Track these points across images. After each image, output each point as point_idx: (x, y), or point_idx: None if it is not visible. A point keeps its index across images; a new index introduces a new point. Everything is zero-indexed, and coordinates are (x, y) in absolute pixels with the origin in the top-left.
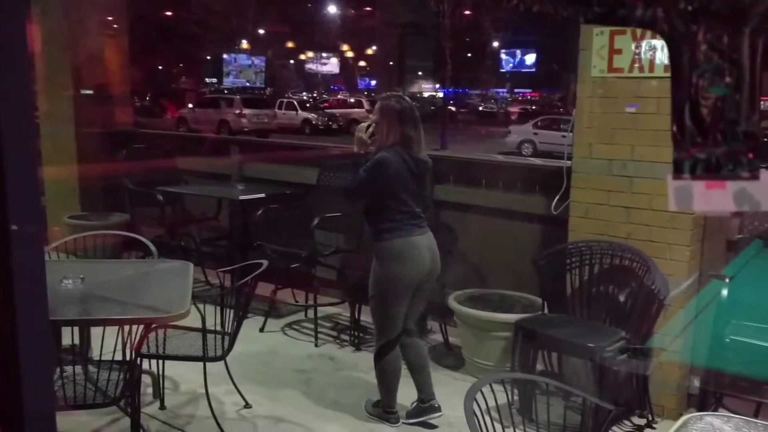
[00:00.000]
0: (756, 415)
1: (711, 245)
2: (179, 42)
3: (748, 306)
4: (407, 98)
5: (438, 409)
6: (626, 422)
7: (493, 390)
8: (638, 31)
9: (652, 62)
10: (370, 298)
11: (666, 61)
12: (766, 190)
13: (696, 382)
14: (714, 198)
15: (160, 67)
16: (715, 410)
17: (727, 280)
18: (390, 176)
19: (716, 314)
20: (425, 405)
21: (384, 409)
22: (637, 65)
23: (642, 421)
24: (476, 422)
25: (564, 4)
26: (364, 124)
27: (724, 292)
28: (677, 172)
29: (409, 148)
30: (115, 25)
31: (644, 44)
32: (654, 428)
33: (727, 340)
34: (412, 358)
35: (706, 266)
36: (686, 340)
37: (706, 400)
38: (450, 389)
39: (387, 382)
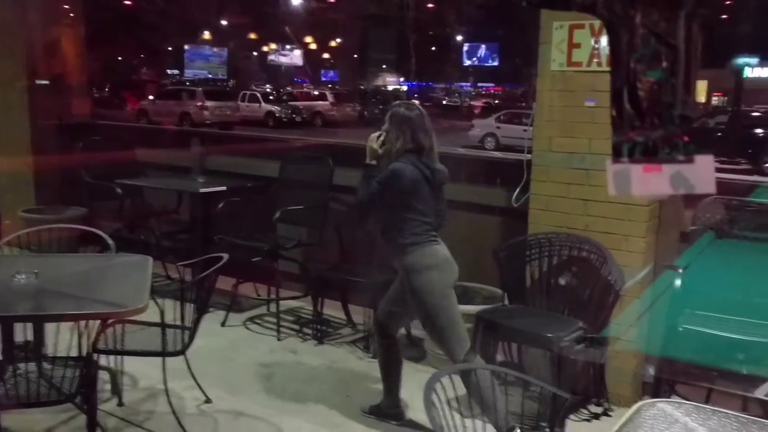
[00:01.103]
0: (707, 402)
1: (665, 237)
2: (140, 32)
3: (701, 295)
4: (418, 105)
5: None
6: (583, 410)
7: (452, 381)
8: (596, 25)
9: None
10: (423, 324)
11: None
12: (701, 174)
13: (651, 371)
14: (651, 181)
15: (119, 58)
16: (669, 397)
17: (680, 271)
18: (406, 187)
19: (670, 304)
20: (396, 411)
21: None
22: (595, 59)
23: (599, 409)
24: (436, 412)
25: None
26: (376, 134)
27: (678, 282)
28: (616, 156)
29: (423, 156)
30: (71, 14)
31: (602, 39)
32: (610, 416)
33: (680, 328)
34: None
35: (660, 257)
36: (641, 330)
37: (659, 387)
38: (412, 380)
39: (485, 395)
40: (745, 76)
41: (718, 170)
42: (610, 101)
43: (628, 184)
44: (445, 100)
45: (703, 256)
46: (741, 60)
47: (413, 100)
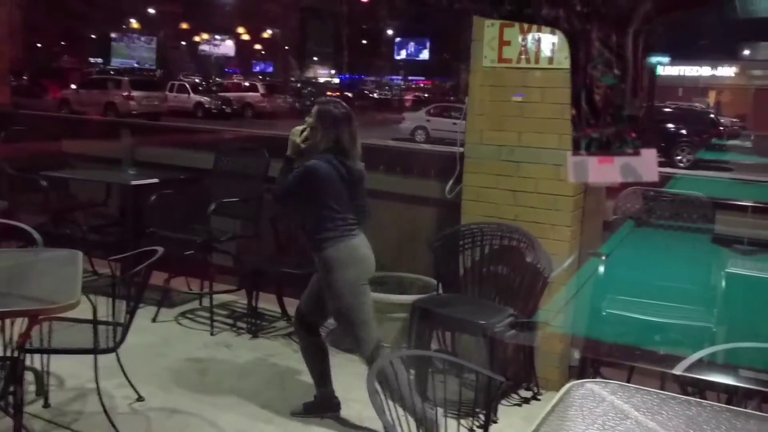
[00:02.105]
0: (628, 381)
1: (589, 226)
2: (62, 17)
3: (622, 281)
4: (345, 104)
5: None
6: (514, 395)
7: (394, 369)
8: (525, 24)
9: (537, 54)
10: (335, 316)
11: (549, 54)
12: (647, 165)
13: (576, 355)
14: (605, 171)
15: (39, 45)
16: (593, 378)
17: (603, 258)
18: (320, 183)
19: (594, 289)
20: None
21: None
22: (524, 56)
23: (528, 394)
24: (378, 401)
25: (480, 2)
26: (299, 128)
27: (601, 268)
28: (576, 149)
29: (342, 155)
30: None
31: (530, 37)
32: (539, 400)
33: (604, 313)
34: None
35: (585, 245)
36: (568, 315)
37: (585, 369)
38: (346, 371)
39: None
40: (657, 73)
41: None
42: (570, 102)
43: (586, 173)
44: (376, 93)
45: (624, 244)
46: (654, 58)
47: (339, 99)
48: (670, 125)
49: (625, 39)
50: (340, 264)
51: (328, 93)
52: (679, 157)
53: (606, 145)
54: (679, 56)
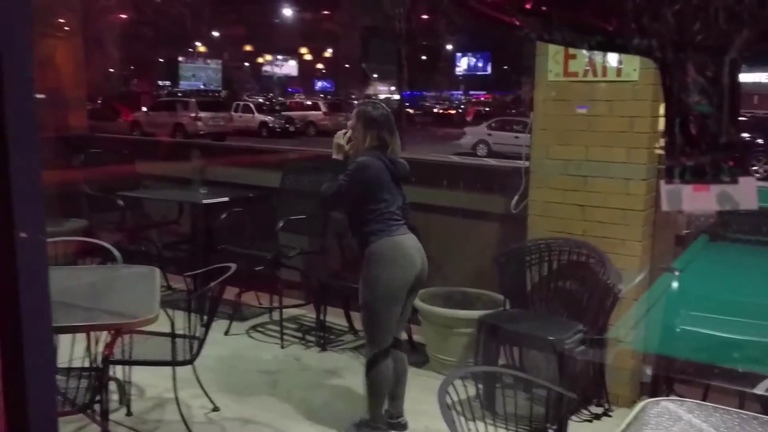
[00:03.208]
0: (704, 399)
1: (661, 240)
2: (132, 44)
3: (696, 297)
4: (383, 104)
5: (405, 426)
6: (584, 411)
7: (464, 384)
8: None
9: (604, 67)
10: (361, 305)
11: (616, 65)
12: (744, 192)
13: (648, 371)
14: (699, 199)
15: (111, 70)
16: (667, 396)
17: (676, 273)
18: (371, 178)
19: (667, 305)
20: (394, 421)
21: (372, 424)
22: (590, 69)
23: (599, 410)
24: (450, 415)
25: (569, 33)
26: (342, 131)
27: (674, 284)
28: (669, 177)
29: (386, 151)
30: (66, 27)
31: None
32: (610, 416)
33: (678, 329)
34: (397, 368)
35: (656, 260)
36: (640, 331)
37: (657, 386)
38: (414, 384)
39: (378, 395)
40: None
41: None
42: (663, 130)
43: (680, 201)
44: (436, 108)
45: (697, 259)
46: None
47: (379, 100)
48: (745, 134)
49: (721, 67)
50: (383, 260)
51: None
52: (755, 168)
53: (701, 173)
54: (754, 63)
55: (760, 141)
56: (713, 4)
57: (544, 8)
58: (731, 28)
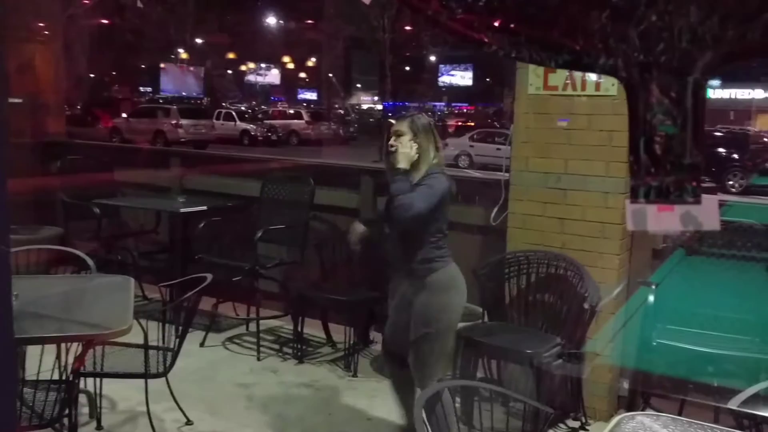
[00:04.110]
0: (680, 413)
1: (638, 254)
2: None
3: (673, 311)
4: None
5: None
6: (561, 425)
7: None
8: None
9: (584, 81)
10: (421, 337)
11: (596, 79)
12: (707, 213)
13: (625, 385)
14: (664, 219)
15: (92, 75)
16: (643, 410)
17: (653, 287)
18: (446, 196)
19: (643, 319)
20: None
21: None
22: (570, 84)
23: (576, 424)
24: (426, 429)
25: (537, 51)
26: (408, 143)
27: (651, 298)
28: (634, 197)
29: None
30: (46, 31)
31: None
32: (587, 430)
33: (654, 343)
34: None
35: (634, 274)
36: (617, 344)
37: (634, 400)
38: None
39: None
40: (708, 97)
41: None
42: (628, 150)
43: (645, 221)
44: None
45: (674, 273)
46: None
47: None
48: (721, 149)
49: (685, 88)
50: (454, 286)
51: (371, 119)
52: (731, 182)
53: (666, 193)
54: (729, 79)
55: (735, 156)
56: (677, 26)
57: (512, 26)
58: (694, 50)
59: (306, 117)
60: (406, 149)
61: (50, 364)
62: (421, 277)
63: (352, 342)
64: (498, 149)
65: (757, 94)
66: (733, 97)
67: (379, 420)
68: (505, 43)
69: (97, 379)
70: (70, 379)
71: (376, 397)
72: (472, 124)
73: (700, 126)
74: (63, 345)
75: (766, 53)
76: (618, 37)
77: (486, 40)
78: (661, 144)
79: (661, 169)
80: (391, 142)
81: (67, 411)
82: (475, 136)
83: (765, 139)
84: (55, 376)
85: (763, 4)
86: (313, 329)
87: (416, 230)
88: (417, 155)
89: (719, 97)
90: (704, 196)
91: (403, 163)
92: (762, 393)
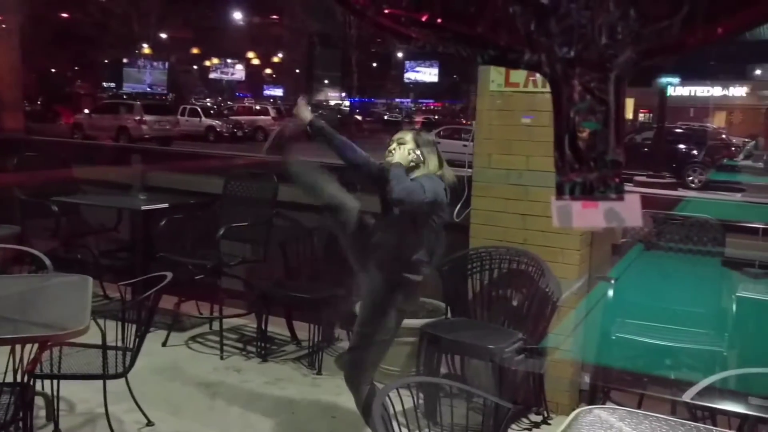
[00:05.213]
0: (639, 406)
1: (598, 249)
2: (75, 44)
3: (632, 305)
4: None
5: None
6: (524, 420)
7: (399, 395)
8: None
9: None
10: (372, 332)
11: None
12: (629, 210)
13: (587, 379)
14: (589, 215)
15: (53, 70)
16: (604, 404)
17: (612, 282)
18: (441, 195)
19: (603, 313)
20: None
21: None
22: (531, 80)
23: (538, 418)
24: (384, 427)
25: (464, 46)
26: (407, 150)
27: (610, 292)
28: (559, 193)
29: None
30: (3, 24)
31: None
32: (549, 424)
33: (613, 337)
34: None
35: (594, 269)
36: (577, 339)
37: (595, 394)
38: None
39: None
40: (668, 94)
41: (647, 184)
42: (553, 147)
43: (570, 217)
44: (386, 115)
45: (633, 268)
46: (664, 79)
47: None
48: (681, 146)
49: (607, 84)
50: (418, 291)
51: (338, 116)
52: (690, 178)
53: (589, 189)
54: (689, 77)
55: (695, 152)
56: (596, 22)
57: (438, 21)
58: (615, 46)
59: (272, 113)
60: (403, 153)
61: (3, 367)
62: (403, 276)
63: (316, 340)
64: (464, 146)
65: (716, 91)
66: (692, 94)
67: (343, 417)
68: (432, 38)
69: (55, 381)
70: (25, 381)
71: (340, 395)
72: (437, 117)
73: (622, 123)
74: (18, 346)
75: (683, 51)
76: (541, 33)
77: (413, 35)
78: (584, 140)
79: (585, 166)
80: (391, 147)
81: (21, 414)
82: (441, 133)
83: (722, 136)
84: (9, 379)
85: (676, 4)
86: (277, 327)
87: (422, 218)
88: (414, 162)
89: (680, 94)
90: (627, 193)
91: (397, 160)
92: (716, 385)
